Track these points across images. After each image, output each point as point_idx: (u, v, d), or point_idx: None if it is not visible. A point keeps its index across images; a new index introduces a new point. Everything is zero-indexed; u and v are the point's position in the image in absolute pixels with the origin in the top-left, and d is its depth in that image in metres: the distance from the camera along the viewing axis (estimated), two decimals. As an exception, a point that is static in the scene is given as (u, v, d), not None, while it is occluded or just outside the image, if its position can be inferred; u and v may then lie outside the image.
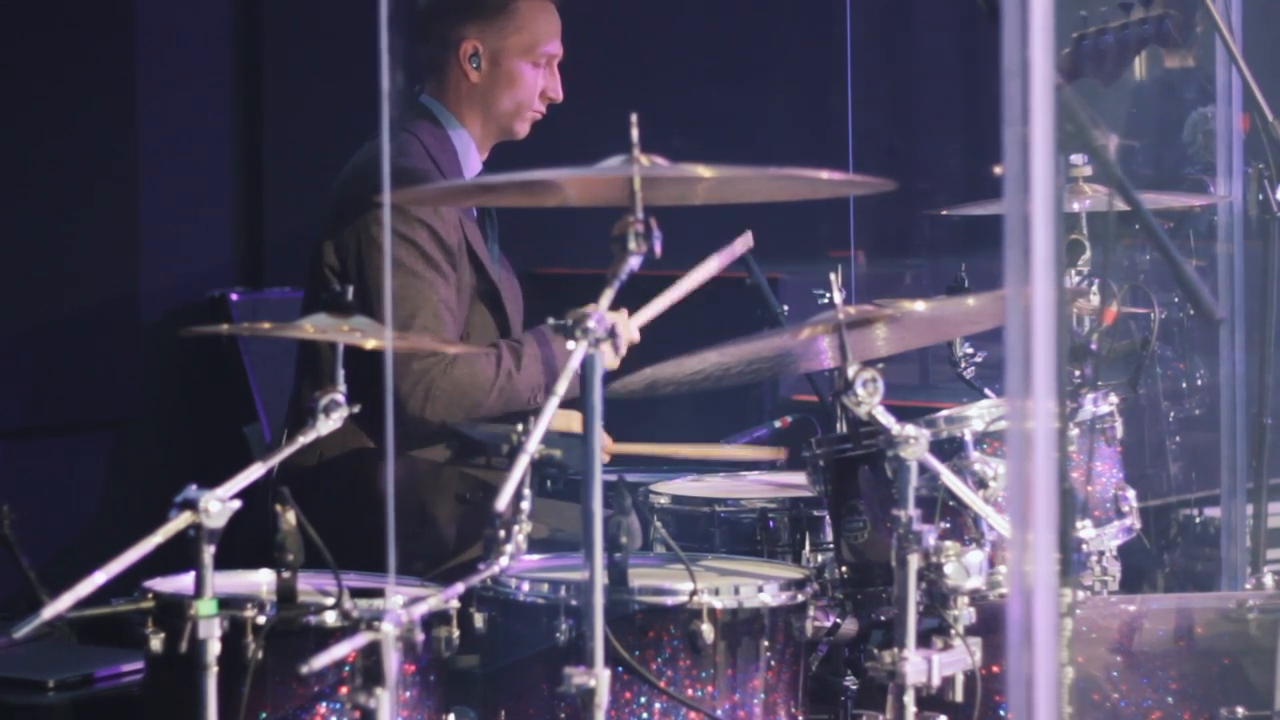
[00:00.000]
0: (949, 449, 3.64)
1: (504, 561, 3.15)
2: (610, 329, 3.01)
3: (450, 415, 4.12)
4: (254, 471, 3.24)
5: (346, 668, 3.18)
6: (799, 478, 4.11)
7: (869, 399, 3.40)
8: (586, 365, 3.01)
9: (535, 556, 3.60)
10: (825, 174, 3.32)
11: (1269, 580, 4.05)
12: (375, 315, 3.64)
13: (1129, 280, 4.36)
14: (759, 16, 7.30)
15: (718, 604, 3.42)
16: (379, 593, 3.37)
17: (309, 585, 3.33)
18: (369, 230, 4.17)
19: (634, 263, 3.06)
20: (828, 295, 3.58)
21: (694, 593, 3.39)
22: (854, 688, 3.92)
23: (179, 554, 3.14)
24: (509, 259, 4.54)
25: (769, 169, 3.25)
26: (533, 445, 3.07)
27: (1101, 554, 3.91)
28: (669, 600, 3.41)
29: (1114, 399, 3.97)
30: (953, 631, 3.44)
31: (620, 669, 3.34)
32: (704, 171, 3.14)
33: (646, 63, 6.82)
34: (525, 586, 3.48)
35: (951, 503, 3.52)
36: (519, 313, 4.47)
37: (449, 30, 4.36)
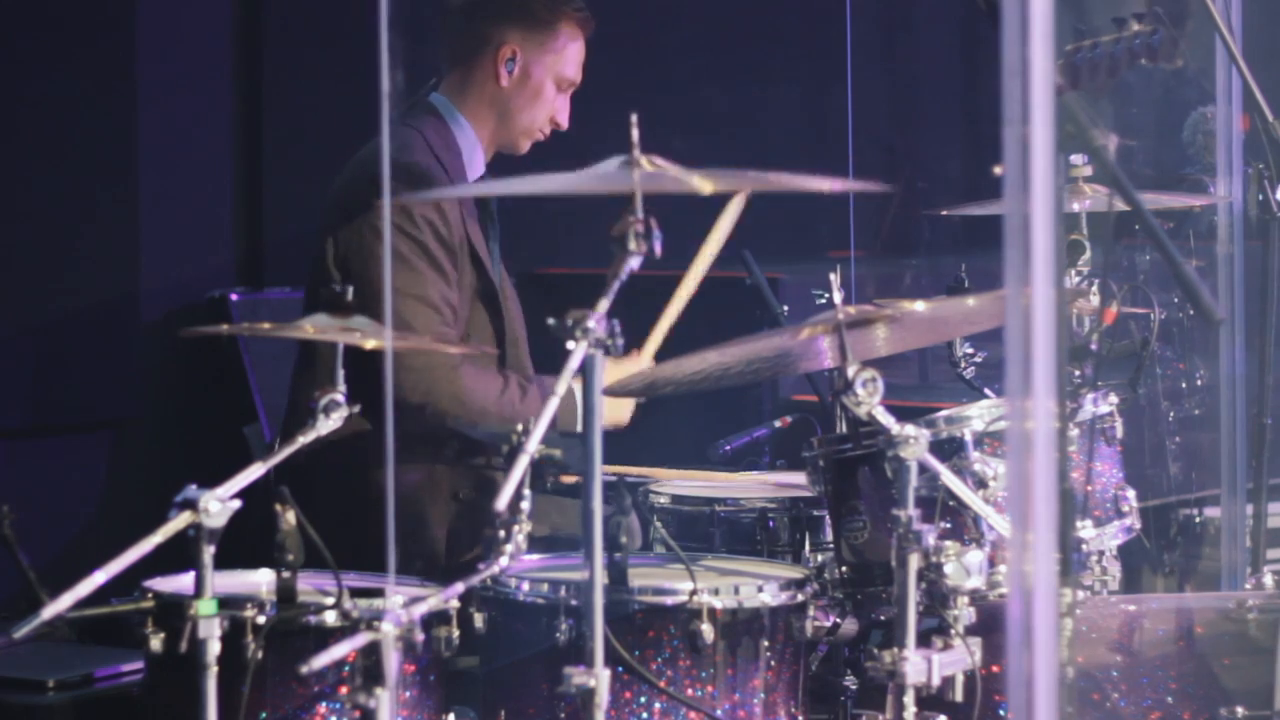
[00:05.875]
0: (949, 449, 3.64)
1: (504, 561, 3.15)
2: (611, 329, 3.01)
3: (451, 414, 4.11)
4: (254, 471, 3.24)
5: (346, 668, 3.18)
6: (799, 478, 4.11)
7: (869, 399, 3.40)
8: (586, 365, 3.01)
9: (535, 556, 3.60)
10: (826, 184, 3.34)
11: (1269, 580, 4.05)
12: (378, 310, 3.64)
13: (1129, 280, 4.36)
14: (759, 17, 7.30)
15: (718, 604, 3.42)
16: (379, 593, 3.36)
17: (309, 585, 3.33)
18: (373, 225, 4.18)
19: (634, 263, 3.06)
20: (827, 295, 3.57)
21: (694, 592, 3.39)
22: (854, 688, 3.92)
23: (179, 554, 3.14)
24: (506, 263, 4.53)
25: (768, 175, 3.25)
26: (533, 445, 3.08)
27: (1101, 554, 3.91)
28: (669, 600, 3.40)
29: (1114, 399, 3.98)
30: (953, 631, 3.43)
31: (620, 669, 3.33)
32: (703, 185, 3.13)
33: (646, 63, 6.82)
34: (525, 586, 3.47)
35: (951, 503, 3.52)
36: (519, 315, 4.46)
37: (491, 29, 4.36)
